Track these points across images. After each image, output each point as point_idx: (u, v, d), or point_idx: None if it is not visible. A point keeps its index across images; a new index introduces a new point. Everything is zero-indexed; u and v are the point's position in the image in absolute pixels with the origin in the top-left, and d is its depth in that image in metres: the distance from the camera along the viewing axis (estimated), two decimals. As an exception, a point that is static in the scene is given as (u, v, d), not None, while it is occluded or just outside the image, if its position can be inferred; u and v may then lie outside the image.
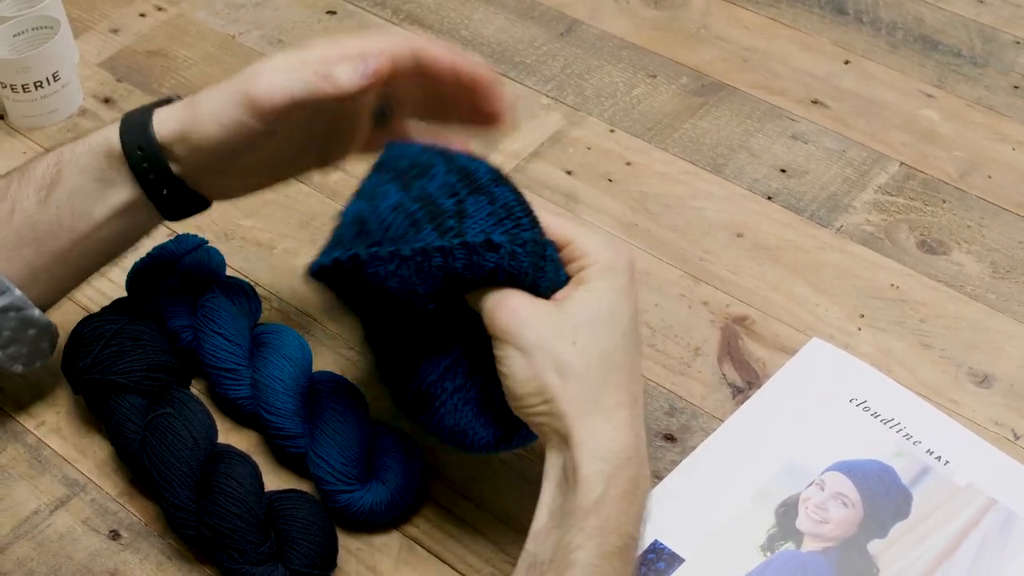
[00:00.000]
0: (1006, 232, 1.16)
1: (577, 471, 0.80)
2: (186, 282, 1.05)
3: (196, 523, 0.91)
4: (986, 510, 0.96)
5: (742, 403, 1.03)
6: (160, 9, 1.42)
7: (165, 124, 0.94)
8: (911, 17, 1.38)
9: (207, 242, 1.08)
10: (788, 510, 0.96)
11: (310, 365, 1.01)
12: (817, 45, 1.36)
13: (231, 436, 1.01)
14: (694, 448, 1.00)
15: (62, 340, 1.01)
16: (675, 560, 0.93)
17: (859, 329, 1.09)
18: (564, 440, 0.81)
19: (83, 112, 1.29)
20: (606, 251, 0.86)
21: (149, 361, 0.98)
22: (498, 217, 0.87)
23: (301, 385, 0.99)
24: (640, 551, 0.83)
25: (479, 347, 0.88)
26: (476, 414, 0.89)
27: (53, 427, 1.03)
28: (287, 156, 0.97)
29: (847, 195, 1.20)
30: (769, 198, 1.20)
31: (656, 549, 0.93)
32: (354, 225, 0.89)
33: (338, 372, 1.04)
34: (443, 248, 0.84)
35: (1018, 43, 1.35)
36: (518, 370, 0.83)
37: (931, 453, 0.99)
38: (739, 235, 1.16)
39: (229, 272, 1.10)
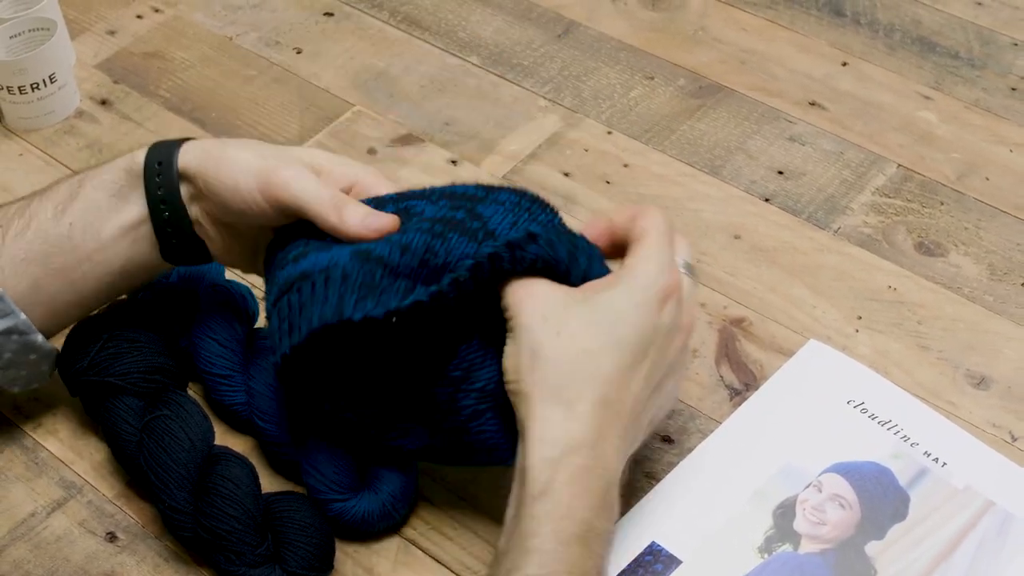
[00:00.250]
0: (1004, 234, 1.16)
1: (525, 457, 0.81)
2: (183, 285, 1.04)
3: (193, 525, 0.91)
4: (984, 512, 0.96)
5: (739, 405, 1.03)
6: (157, 11, 1.42)
7: (190, 150, 0.95)
8: (909, 19, 1.38)
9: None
10: (785, 512, 0.96)
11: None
12: (815, 47, 1.36)
13: (227, 438, 1.00)
14: (691, 450, 1.00)
15: (58, 340, 1.00)
16: (672, 562, 0.93)
17: (856, 331, 1.08)
18: (522, 423, 0.83)
19: (80, 114, 1.29)
20: (651, 267, 0.86)
21: (146, 363, 0.98)
22: (515, 213, 0.88)
23: (295, 392, 0.99)
24: (610, 543, 0.82)
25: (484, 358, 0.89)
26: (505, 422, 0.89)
27: (50, 429, 1.03)
28: (248, 247, 0.98)
29: (844, 197, 1.20)
30: (766, 200, 1.20)
31: (653, 551, 0.93)
32: (337, 280, 0.87)
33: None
34: (493, 254, 0.85)
35: (1016, 45, 1.35)
36: (508, 346, 0.85)
37: (929, 455, 0.99)
38: (736, 237, 1.16)
39: (227, 276, 1.09)
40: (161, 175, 0.94)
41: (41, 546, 0.95)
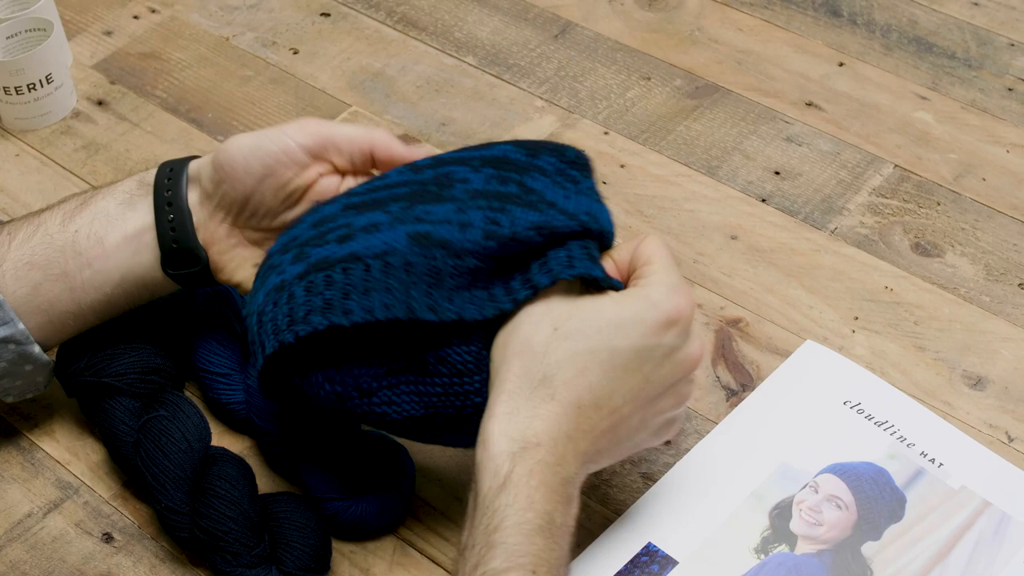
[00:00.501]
0: (1000, 234, 1.16)
1: (486, 447, 0.81)
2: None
3: (190, 525, 0.91)
4: (980, 512, 0.96)
5: (736, 405, 1.03)
6: (153, 11, 1.41)
7: (203, 158, 0.97)
8: (905, 19, 1.38)
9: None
10: (782, 512, 0.96)
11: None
12: (811, 47, 1.36)
13: (224, 439, 1.01)
14: (688, 450, 1.00)
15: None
16: (668, 562, 0.93)
17: (853, 331, 1.09)
18: (490, 407, 0.83)
19: (76, 114, 1.29)
20: (662, 287, 0.86)
21: (142, 364, 0.98)
22: (563, 184, 0.90)
23: (294, 390, 0.99)
24: (571, 537, 0.82)
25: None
26: None
27: (46, 430, 1.03)
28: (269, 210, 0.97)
29: (841, 197, 1.20)
30: (763, 200, 1.20)
31: (650, 551, 0.93)
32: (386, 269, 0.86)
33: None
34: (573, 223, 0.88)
35: (1012, 45, 1.35)
36: (510, 321, 0.86)
37: (925, 455, 0.99)
38: (733, 237, 1.16)
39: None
40: (170, 179, 0.96)
41: (37, 547, 0.95)
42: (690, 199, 1.20)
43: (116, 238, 0.95)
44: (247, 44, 1.37)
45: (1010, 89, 1.30)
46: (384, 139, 0.95)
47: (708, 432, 1.01)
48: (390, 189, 0.90)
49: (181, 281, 0.97)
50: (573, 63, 1.34)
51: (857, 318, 1.10)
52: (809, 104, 1.29)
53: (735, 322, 1.09)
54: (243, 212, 0.96)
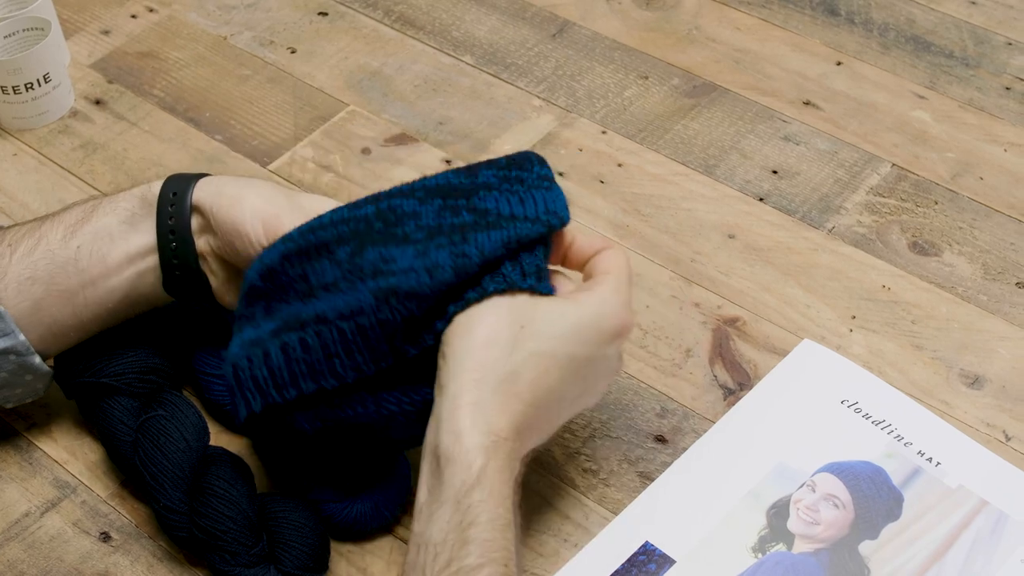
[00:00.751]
0: (998, 233, 1.16)
1: (459, 439, 0.80)
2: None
3: (188, 525, 0.91)
4: (977, 511, 0.96)
5: (733, 404, 1.03)
6: (151, 10, 1.41)
7: (206, 185, 0.96)
8: (903, 18, 1.38)
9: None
10: (779, 511, 0.96)
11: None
12: (809, 46, 1.36)
13: (222, 439, 1.01)
14: (685, 449, 1.00)
15: (53, 342, 1.01)
16: (666, 561, 0.93)
17: (851, 330, 1.09)
18: (451, 398, 0.82)
19: (74, 114, 1.29)
20: (618, 301, 0.88)
21: (141, 364, 0.98)
22: (511, 191, 0.90)
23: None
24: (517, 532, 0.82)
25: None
26: None
27: (44, 429, 1.03)
28: None
29: (839, 196, 1.20)
30: (761, 199, 1.20)
31: (647, 550, 0.93)
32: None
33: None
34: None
35: (1010, 44, 1.35)
36: (468, 309, 0.85)
37: (922, 454, 0.99)
38: (731, 236, 1.16)
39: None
40: (174, 205, 0.95)
41: (35, 546, 0.95)
42: (687, 198, 1.20)
43: (119, 257, 0.95)
44: (245, 43, 1.37)
45: (1007, 88, 1.30)
46: None
47: (705, 431, 1.01)
48: (329, 229, 0.88)
49: (183, 300, 0.99)
50: (571, 62, 1.34)
51: (854, 317, 1.10)
52: (807, 103, 1.29)
53: (732, 321, 1.09)
54: (239, 261, 0.95)
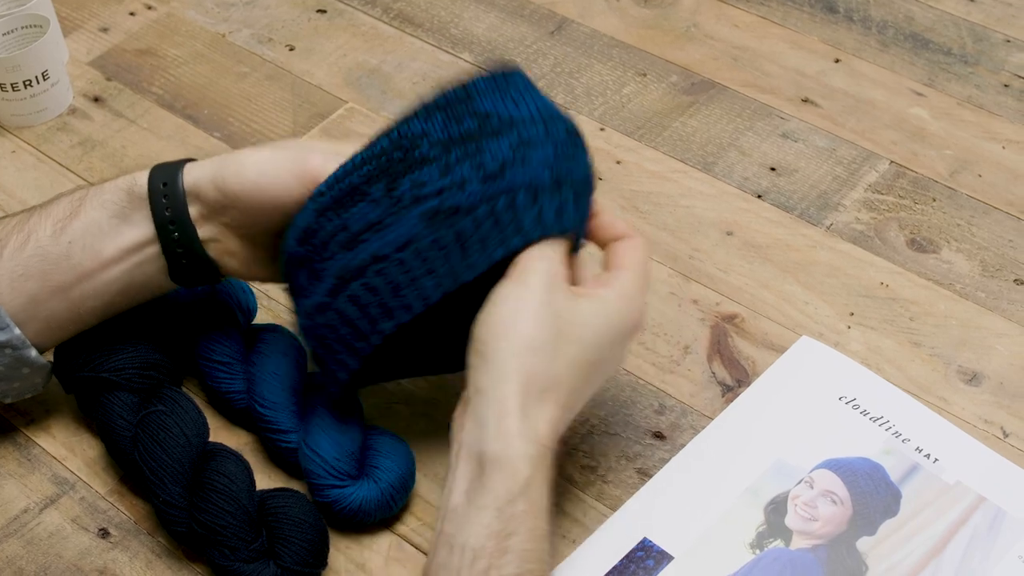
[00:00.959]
0: (996, 230, 1.16)
1: (507, 445, 0.80)
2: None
3: (187, 520, 0.92)
4: (975, 508, 0.96)
5: (731, 401, 1.03)
6: (150, 8, 1.41)
7: (195, 168, 0.95)
8: (901, 15, 1.38)
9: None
10: (777, 508, 0.96)
11: (305, 364, 1.01)
12: (807, 43, 1.36)
13: (222, 435, 1.01)
14: (683, 446, 1.00)
15: (52, 338, 1.01)
16: (664, 558, 0.93)
17: (849, 327, 1.09)
18: (496, 408, 0.81)
19: (73, 111, 1.29)
20: (639, 302, 0.89)
21: (141, 359, 0.98)
22: (500, 91, 0.92)
23: (296, 381, 0.99)
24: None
25: None
26: None
27: (42, 425, 1.03)
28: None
29: (837, 193, 1.20)
30: (759, 196, 1.20)
31: (645, 547, 0.94)
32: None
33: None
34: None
35: (1008, 42, 1.35)
36: (498, 304, 0.85)
37: (920, 451, 0.99)
38: (729, 233, 1.16)
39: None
40: (167, 196, 0.94)
41: (34, 542, 0.95)
42: (686, 195, 1.20)
43: (113, 251, 0.95)
44: (243, 41, 1.37)
45: (1006, 85, 1.30)
46: None
47: (703, 428, 1.01)
48: (355, 174, 0.90)
49: (189, 286, 0.98)
50: (569, 59, 1.34)
51: (853, 314, 1.10)
52: (805, 100, 1.29)
53: (731, 318, 1.09)
54: (255, 227, 0.95)
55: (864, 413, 1.01)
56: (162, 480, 0.92)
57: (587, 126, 1.26)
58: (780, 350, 1.07)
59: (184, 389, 1.02)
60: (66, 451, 1.01)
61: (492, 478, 0.80)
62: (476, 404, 0.82)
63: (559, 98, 1.29)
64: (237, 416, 1.01)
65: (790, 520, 0.95)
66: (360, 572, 0.93)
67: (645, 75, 1.33)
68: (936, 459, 0.98)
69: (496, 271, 0.87)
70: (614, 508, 0.97)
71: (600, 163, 1.22)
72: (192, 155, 1.21)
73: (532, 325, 0.83)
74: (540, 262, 0.86)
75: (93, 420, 0.99)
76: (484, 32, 1.38)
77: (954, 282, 1.12)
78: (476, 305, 0.86)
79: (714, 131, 1.26)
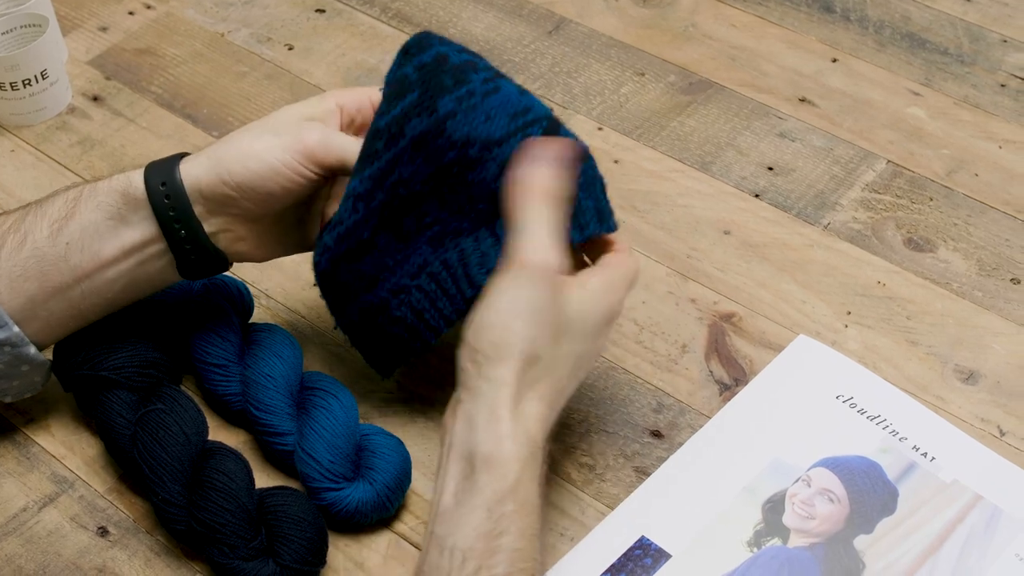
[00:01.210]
0: (992, 230, 1.17)
1: (499, 446, 0.80)
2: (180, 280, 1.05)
3: (187, 518, 0.92)
4: (972, 506, 0.96)
5: (729, 400, 1.03)
6: (149, 7, 1.42)
7: (193, 166, 0.95)
8: (898, 15, 1.39)
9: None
10: (775, 506, 0.96)
11: (300, 364, 1.01)
12: (805, 43, 1.36)
13: (220, 434, 1.01)
14: (681, 444, 1.00)
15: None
16: (661, 556, 0.93)
17: (846, 326, 1.09)
18: (487, 410, 0.81)
19: (72, 110, 1.29)
20: (621, 293, 0.90)
21: (140, 358, 0.98)
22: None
23: (291, 383, 0.99)
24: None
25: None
26: None
27: (42, 424, 1.03)
28: (290, 224, 0.99)
29: (834, 193, 1.20)
30: (756, 196, 1.20)
31: (643, 545, 0.94)
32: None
33: (328, 371, 1.04)
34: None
35: (1005, 41, 1.35)
36: (498, 301, 0.84)
37: (917, 449, 0.99)
38: (726, 232, 1.17)
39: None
40: (169, 197, 0.94)
41: (33, 540, 0.96)
42: (684, 194, 1.20)
43: (113, 251, 0.94)
44: (242, 40, 1.37)
45: (1003, 85, 1.31)
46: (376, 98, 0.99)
47: (701, 426, 1.02)
48: (381, 175, 0.94)
49: (197, 278, 0.98)
50: (567, 59, 1.35)
51: (850, 313, 1.10)
52: (802, 100, 1.29)
53: (728, 317, 1.10)
54: (265, 209, 0.96)
55: (861, 412, 1.02)
56: (161, 478, 0.92)
57: (585, 126, 1.26)
58: (777, 349, 1.07)
59: (183, 388, 1.02)
60: (65, 449, 1.01)
61: (482, 479, 0.79)
62: (466, 404, 0.82)
63: (557, 98, 1.30)
64: (234, 417, 1.01)
65: (787, 518, 0.95)
66: (359, 570, 0.94)
67: (643, 75, 1.33)
68: (933, 457, 0.99)
69: None
70: (612, 506, 0.97)
71: (598, 163, 1.22)
72: (191, 154, 1.22)
73: (526, 328, 0.83)
74: (534, 257, 0.85)
75: (92, 418, 0.99)
76: (482, 32, 1.38)
77: (951, 281, 1.12)
78: None
79: (712, 131, 1.26)
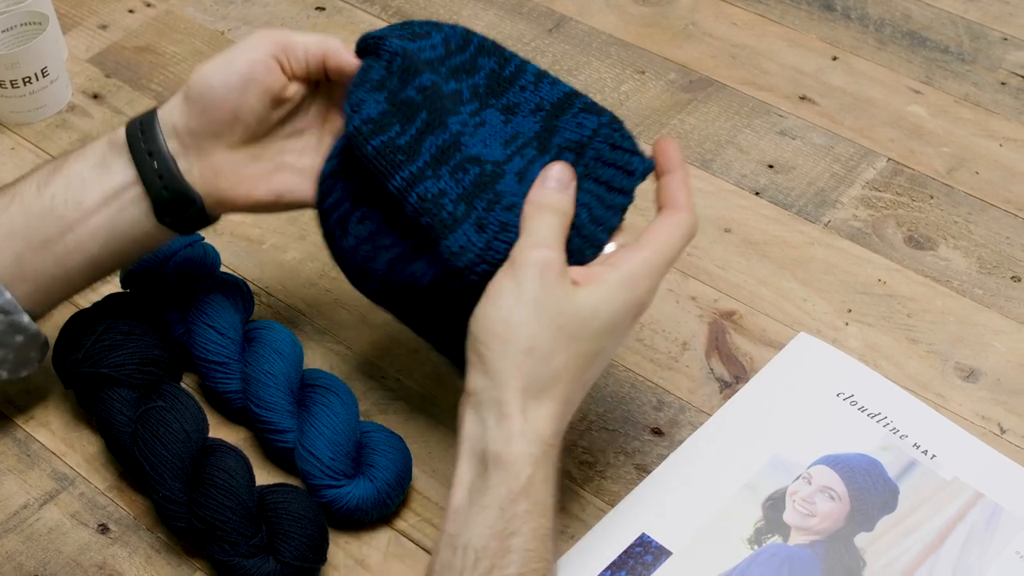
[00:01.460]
0: (993, 228, 1.17)
1: (509, 446, 0.80)
2: (180, 277, 1.05)
3: (187, 515, 0.92)
4: (972, 504, 0.96)
5: (730, 397, 1.03)
6: (149, 5, 1.42)
7: (168, 101, 0.96)
8: (899, 13, 1.39)
9: (203, 238, 1.08)
10: (775, 504, 0.96)
11: (301, 361, 1.01)
12: (805, 41, 1.36)
13: (221, 431, 1.01)
14: (682, 442, 1.00)
15: (53, 335, 1.00)
16: (662, 553, 0.93)
17: (846, 324, 1.09)
18: (496, 409, 0.81)
19: (72, 108, 1.29)
20: (649, 284, 0.87)
21: (141, 355, 0.99)
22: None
23: (291, 380, 0.99)
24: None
25: None
26: None
27: (42, 421, 1.03)
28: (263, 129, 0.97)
29: (835, 190, 1.20)
30: (757, 193, 1.20)
31: (643, 542, 0.94)
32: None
33: (328, 368, 1.04)
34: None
35: (1005, 39, 1.35)
36: (498, 296, 0.83)
37: (918, 447, 0.99)
38: (727, 230, 1.17)
39: (222, 268, 1.10)
40: (144, 132, 0.94)
41: (33, 538, 0.96)
42: (684, 192, 1.20)
43: (95, 198, 0.94)
44: (242, 38, 1.37)
45: (1003, 83, 1.31)
46: (337, 47, 0.96)
47: (702, 424, 1.02)
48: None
49: (177, 228, 0.97)
50: (567, 57, 1.35)
51: (850, 310, 1.10)
52: (803, 98, 1.29)
53: (729, 314, 1.10)
54: (235, 128, 0.95)
55: (862, 409, 1.02)
56: (162, 475, 0.92)
57: (585, 123, 1.26)
58: (778, 347, 1.07)
59: (183, 385, 1.03)
60: (65, 447, 1.01)
61: (494, 478, 0.79)
62: (476, 402, 0.82)
63: (557, 95, 1.29)
64: (235, 414, 1.01)
65: (788, 516, 0.95)
66: (359, 567, 0.94)
67: (643, 73, 1.33)
68: (934, 455, 0.99)
69: None
70: (612, 504, 0.97)
71: (598, 160, 1.22)
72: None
73: (528, 324, 0.82)
74: (535, 252, 0.84)
75: (93, 416, 0.99)
76: (482, 29, 1.37)
77: (951, 279, 1.12)
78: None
79: (712, 128, 1.26)
